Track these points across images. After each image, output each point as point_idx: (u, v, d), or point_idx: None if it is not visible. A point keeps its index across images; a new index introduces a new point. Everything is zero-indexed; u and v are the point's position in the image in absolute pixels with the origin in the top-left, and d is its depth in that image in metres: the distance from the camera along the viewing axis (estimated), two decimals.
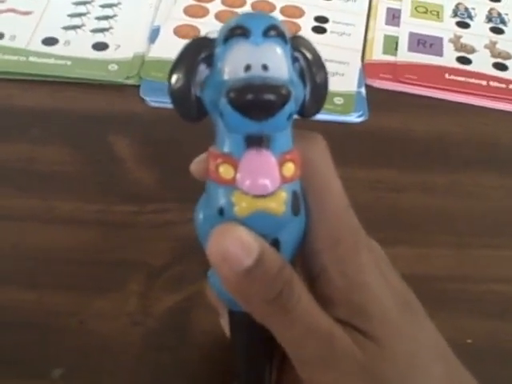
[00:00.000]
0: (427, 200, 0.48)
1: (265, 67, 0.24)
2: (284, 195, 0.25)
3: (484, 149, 0.52)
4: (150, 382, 0.37)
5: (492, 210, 0.48)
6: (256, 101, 0.24)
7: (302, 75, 0.26)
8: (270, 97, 0.24)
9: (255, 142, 0.25)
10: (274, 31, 0.25)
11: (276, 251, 0.26)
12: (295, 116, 0.26)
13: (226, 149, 0.25)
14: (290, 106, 0.24)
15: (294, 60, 0.26)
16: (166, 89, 0.26)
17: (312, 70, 0.26)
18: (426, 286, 0.42)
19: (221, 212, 0.26)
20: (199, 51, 0.25)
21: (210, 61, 0.25)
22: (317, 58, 0.26)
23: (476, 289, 0.43)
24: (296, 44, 0.26)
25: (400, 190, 0.49)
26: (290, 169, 0.26)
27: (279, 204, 0.25)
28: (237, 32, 0.25)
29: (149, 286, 0.41)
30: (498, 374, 0.39)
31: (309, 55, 0.26)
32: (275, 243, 0.26)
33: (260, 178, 0.25)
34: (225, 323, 0.33)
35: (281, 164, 0.25)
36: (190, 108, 0.26)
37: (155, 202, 0.46)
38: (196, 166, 0.29)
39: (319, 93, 0.27)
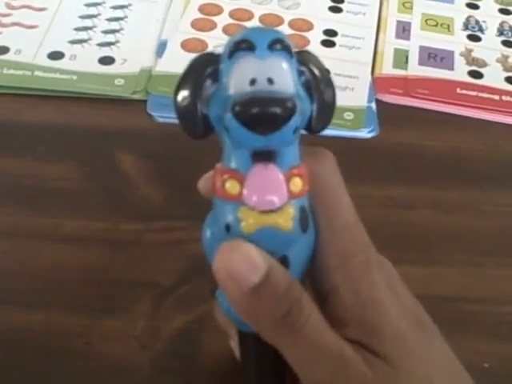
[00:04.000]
0: (440, 217, 0.47)
1: (270, 81, 0.24)
2: (292, 211, 0.25)
3: (497, 165, 0.51)
4: None
5: (506, 228, 0.47)
6: (261, 114, 0.24)
7: (308, 90, 0.26)
8: (276, 110, 0.24)
9: (262, 157, 0.25)
10: (279, 45, 0.25)
11: (284, 269, 0.26)
12: (302, 131, 0.26)
13: (233, 165, 0.25)
14: (296, 120, 0.24)
15: (300, 74, 0.25)
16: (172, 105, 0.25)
17: (319, 86, 0.26)
18: (440, 306, 0.41)
19: (227, 228, 0.25)
20: (205, 67, 0.25)
21: (215, 76, 0.25)
22: (324, 74, 0.26)
23: (492, 310, 0.42)
24: (302, 58, 0.26)
25: (412, 208, 0.48)
26: (297, 184, 0.25)
27: (287, 220, 0.25)
28: (242, 46, 0.24)
29: (157, 306, 0.40)
30: None
31: (316, 71, 0.26)
32: (284, 260, 0.26)
33: (267, 194, 0.25)
34: (235, 345, 0.32)
35: (288, 179, 0.25)
36: (196, 125, 0.25)
37: (163, 220, 0.45)
38: (204, 183, 0.28)
39: (327, 109, 0.26)
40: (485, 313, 0.42)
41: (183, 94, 0.25)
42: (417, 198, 0.48)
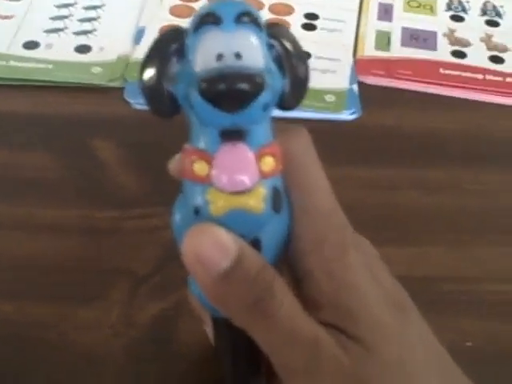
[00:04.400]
0: (424, 198, 0.47)
1: (238, 55, 0.23)
2: (263, 191, 0.24)
3: (481, 144, 0.50)
4: None
5: (491, 206, 0.46)
6: (228, 91, 0.22)
7: (280, 65, 0.24)
8: (243, 86, 0.22)
9: (230, 136, 0.24)
10: (246, 17, 0.23)
11: (256, 252, 0.25)
12: (274, 108, 0.24)
13: (201, 145, 0.24)
14: (266, 96, 0.23)
15: (271, 48, 0.24)
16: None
17: (291, 61, 0.25)
18: (424, 286, 0.40)
19: (196, 211, 0.24)
20: (170, 43, 0.24)
21: (181, 52, 0.24)
22: (296, 48, 0.25)
23: (476, 289, 0.41)
24: (273, 32, 0.24)
25: (395, 188, 0.47)
26: (269, 163, 0.24)
27: (258, 201, 0.24)
28: (207, 20, 0.23)
29: (132, 294, 0.39)
30: (498, 376, 0.37)
31: (288, 44, 0.25)
32: (256, 243, 0.25)
33: (236, 174, 0.24)
34: (209, 330, 0.31)
35: (259, 158, 0.24)
36: (163, 104, 0.24)
37: (140, 207, 0.44)
38: (173, 164, 0.27)
39: (300, 84, 0.25)
40: (468, 292, 0.41)
41: (148, 72, 0.24)
42: (400, 178, 0.48)
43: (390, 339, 0.25)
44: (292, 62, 0.25)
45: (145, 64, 0.24)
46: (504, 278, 0.42)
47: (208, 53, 0.23)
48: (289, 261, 0.26)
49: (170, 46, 0.24)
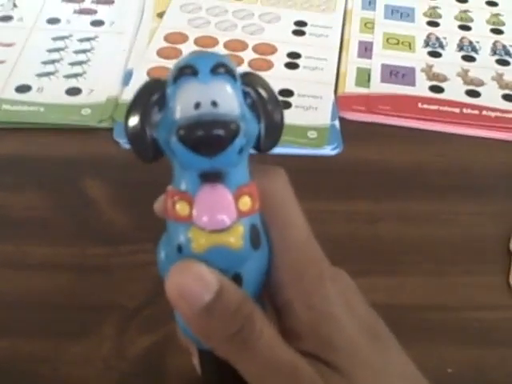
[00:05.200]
0: (405, 229, 0.48)
1: (214, 104, 0.24)
2: (241, 229, 0.25)
3: (460, 176, 0.52)
4: None
5: (471, 237, 0.48)
6: (205, 137, 0.24)
7: (255, 110, 0.26)
8: (219, 132, 0.24)
9: (209, 177, 0.25)
10: (221, 68, 0.25)
11: (236, 286, 0.26)
12: (251, 151, 0.26)
13: (182, 186, 0.25)
14: (241, 141, 0.24)
15: (246, 95, 0.26)
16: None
17: (265, 106, 0.26)
18: (405, 315, 0.42)
19: (179, 249, 0.25)
20: (151, 93, 0.26)
21: (162, 101, 0.26)
22: (270, 94, 0.27)
23: (456, 317, 0.42)
24: (247, 80, 0.26)
25: (377, 221, 0.48)
26: (246, 202, 0.26)
27: (237, 238, 0.25)
28: (185, 71, 0.25)
29: (122, 328, 0.40)
30: None
31: (261, 91, 0.26)
32: (237, 278, 0.26)
33: (216, 213, 0.25)
34: (197, 363, 0.32)
35: (237, 198, 0.25)
36: (146, 149, 0.26)
37: (129, 244, 0.45)
38: (158, 204, 0.29)
39: (274, 128, 0.27)
40: (447, 320, 0.42)
41: (132, 120, 0.26)
42: (381, 211, 0.49)
43: (367, 366, 0.26)
44: (266, 108, 0.26)
45: (129, 112, 0.26)
46: (481, 305, 0.43)
47: (187, 102, 0.25)
48: (269, 291, 0.28)
49: (152, 94, 0.26)
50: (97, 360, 0.39)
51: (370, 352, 0.27)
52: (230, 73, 0.25)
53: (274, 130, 0.27)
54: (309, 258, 0.28)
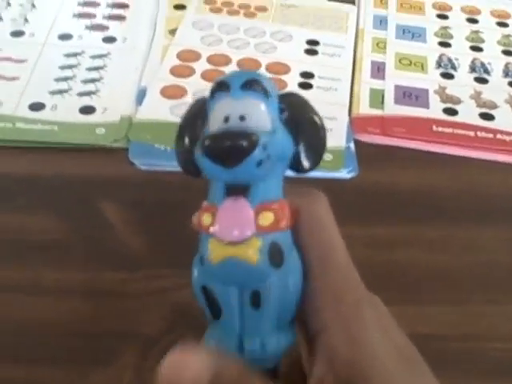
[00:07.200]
0: (422, 256, 0.48)
1: (242, 118, 0.26)
2: (258, 244, 0.25)
3: (476, 201, 0.52)
4: None
5: (488, 263, 0.47)
6: (221, 147, 0.25)
7: (292, 130, 0.27)
8: (235, 143, 0.25)
9: (233, 190, 0.26)
10: (253, 85, 0.26)
11: (236, 366, 0.26)
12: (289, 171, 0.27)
13: (211, 199, 0.26)
14: (260, 153, 0.25)
15: (282, 113, 0.27)
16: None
17: (303, 127, 0.27)
18: (426, 345, 0.40)
19: (201, 260, 0.26)
20: (197, 113, 0.27)
21: (205, 117, 0.27)
22: (309, 115, 0.27)
23: (478, 347, 0.42)
24: (286, 99, 0.27)
25: (392, 247, 0.48)
26: (267, 218, 0.26)
27: (253, 252, 0.25)
28: (219, 88, 0.26)
29: (143, 357, 0.40)
30: None
31: (298, 111, 0.27)
32: (255, 296, 0.26)
33: (233, 225, 0.25)
34: None
35: (258, 213, 0.26)
36: (191, 165, 0.27)
37: (146, 268, 0.45)
38: (195, 217, 0.29)
39: (313, 149, 0.27)
40: (471, 350, 0.42)
41: (179, 141, 0.28)
42: (397, 236, 0.49)
43: None
44: (304, 129, 0.27)
45: (178, 134, 0.28)
46: (505, 335, 0.43)
47: (218, 116, 0.26)
48: (302, 318, 0.28)
49: (197, 114, 0.27)
50: None
51: (404, 378, 0.26)
52: (262, 89, 0.26)
53: (313, 152, 0.27)
54: (348, 283, 0.28)
